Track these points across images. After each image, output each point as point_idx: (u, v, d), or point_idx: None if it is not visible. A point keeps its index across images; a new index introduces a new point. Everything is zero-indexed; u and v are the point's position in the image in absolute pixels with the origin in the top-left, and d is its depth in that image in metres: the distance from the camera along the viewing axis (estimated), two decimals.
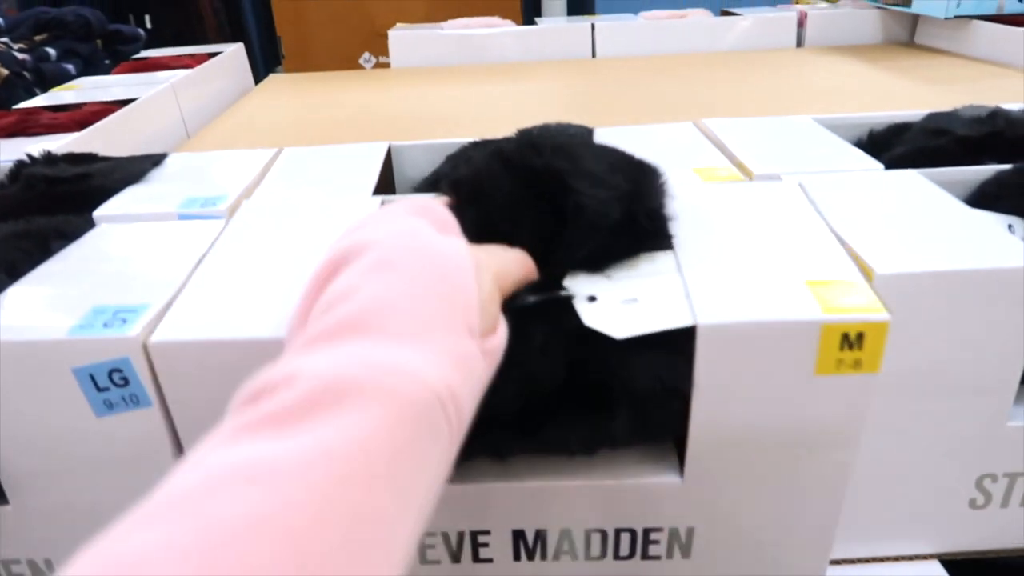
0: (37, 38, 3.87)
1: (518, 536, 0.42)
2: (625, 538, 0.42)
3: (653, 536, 0.42)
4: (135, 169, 0.58)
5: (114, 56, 4.86)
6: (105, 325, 0.37)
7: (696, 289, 0.37)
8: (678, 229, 0.42)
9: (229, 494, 0.20)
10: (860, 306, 0.35)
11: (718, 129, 0.62)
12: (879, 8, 1.26)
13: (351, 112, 0.93)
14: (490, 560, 0.43)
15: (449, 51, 1.26)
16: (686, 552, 0.43)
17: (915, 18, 1.24)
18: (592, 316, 0.35)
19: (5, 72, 3.38)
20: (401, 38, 1.26)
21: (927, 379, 0.42)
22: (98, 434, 0.38)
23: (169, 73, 1.02)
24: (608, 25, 1.26)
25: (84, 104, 0.83)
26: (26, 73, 3.33)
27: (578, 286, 0.37)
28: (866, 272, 0.39)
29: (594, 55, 1.26)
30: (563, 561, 0.43)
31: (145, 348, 0.36)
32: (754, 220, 0.44)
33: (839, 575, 0.47)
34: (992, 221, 0.45)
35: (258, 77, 1.25)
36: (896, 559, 0.48)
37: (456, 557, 0.44)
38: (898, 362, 0.40)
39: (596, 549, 0.43)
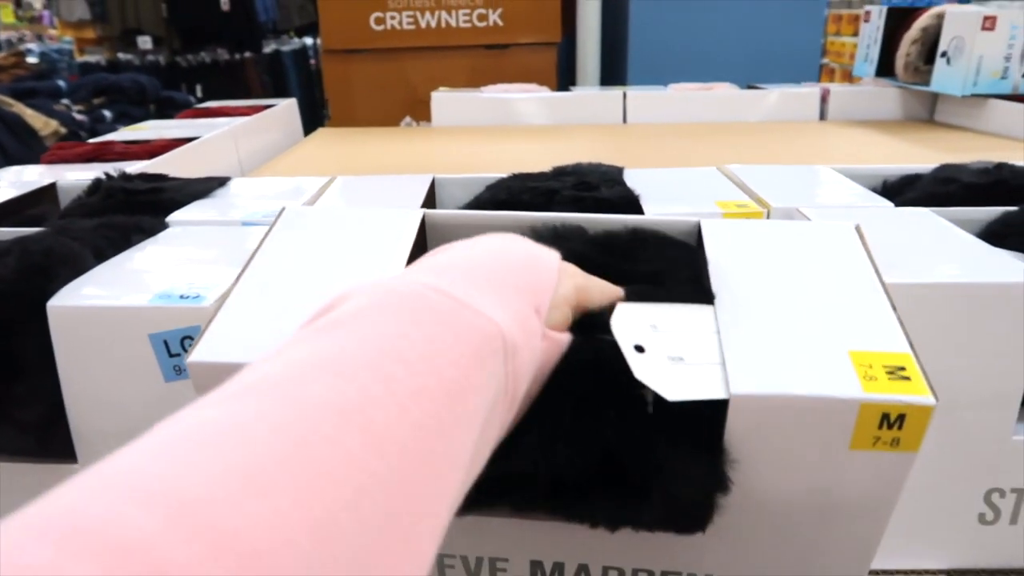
0: (95, 101, 4.08)
1: (536, 567, 0.42)
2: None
3: None
4: (203, 188, 0.64)
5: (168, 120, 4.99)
6: (181, 297, 0.41)
7: (733, 353, 0.34)
8: (720, 271, 0.40)
9: (319, 382, 0.21)
10: (904, 388, 0.33)
11: (740, 172, 0.67)
12: (899, 87, 1.32)
13: (396, 158, 1.00)
14: None
15: (487, 113, 1.33)
16: None
17: (934, 96, 1.30)
18: (642, 370, 0.33)
19: (64, 131, 3.56)
20: (443, 99, 1.34)
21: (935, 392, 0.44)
22: (165, 398, 0.42)
23: (228, 119, 1.10)
24: (639, 94, 1.34)
25: (153, 140, 0.90)
26: (82, 133, 3.51)
27: (625, 331, 0.35)
28: None
29: (625, 121, 1.33)
30: None
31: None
32: (801, 268, 0.41)
33: None
34: (999, 251, 0.48)
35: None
36: (906, 573, 0.49)
37: None
38: None
39: None
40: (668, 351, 0.34)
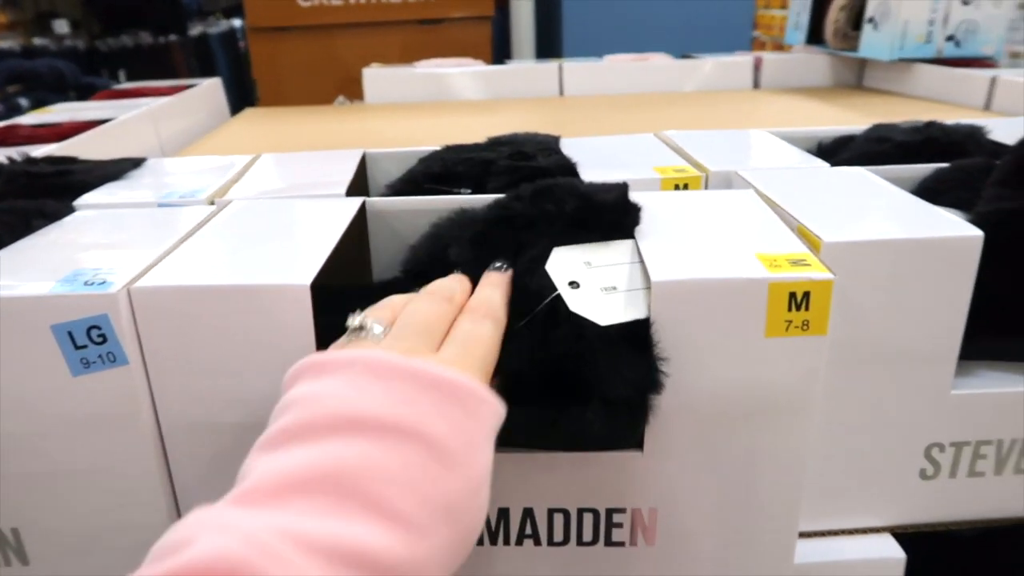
0: (10, 89, 3.89)
1: None
2: (588, 520, 0.43)
3: (616, 518, 0.42)
4: (115, 169, 0.60)
5: None
6: (86, 284, 0.38)
7: (653, 260, 0.39)
8: (639, 227, 0.43)
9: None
10: (805, 269, 0.37)
11: (677, 138, 0.66)
12: (829, 54, 1.33)
13: (328, 136, 0.96)
14: None
15: (422, 89, 1.30)
16: (650, 538, 0.43)
17: (863, 62, 1.32)
18: (576, 302, 0.37)
19: None
20: (375, 76, 1.30)
21: (871, 347, 0.44)
22: (74, 394, 0.39)
23: (148, 99, 1.05)
24: (575, 66, 1.32)
25: (63, 123, 0.85)
26: None
27: (560, 271, 0.39)
28: (814, 243, 0.42)
29: (561, 94, 1.32)
30: (526, 547, 0.43)
31: (128, 293, 0.37)
32: (711, 215, 0.46)
33: None
34: (932, 207, 0.48)
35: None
36: (849, 532, 0.49)
37: None
38: (843, 330, 0.42)
39: (559, 533, 0.43)
40: (601, 283, 0.39)
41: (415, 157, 0.66)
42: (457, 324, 0.35)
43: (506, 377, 0.36)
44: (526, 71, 1.33)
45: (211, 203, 0.53)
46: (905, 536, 0.49)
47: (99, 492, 0.41)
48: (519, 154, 0.59)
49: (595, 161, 0.59)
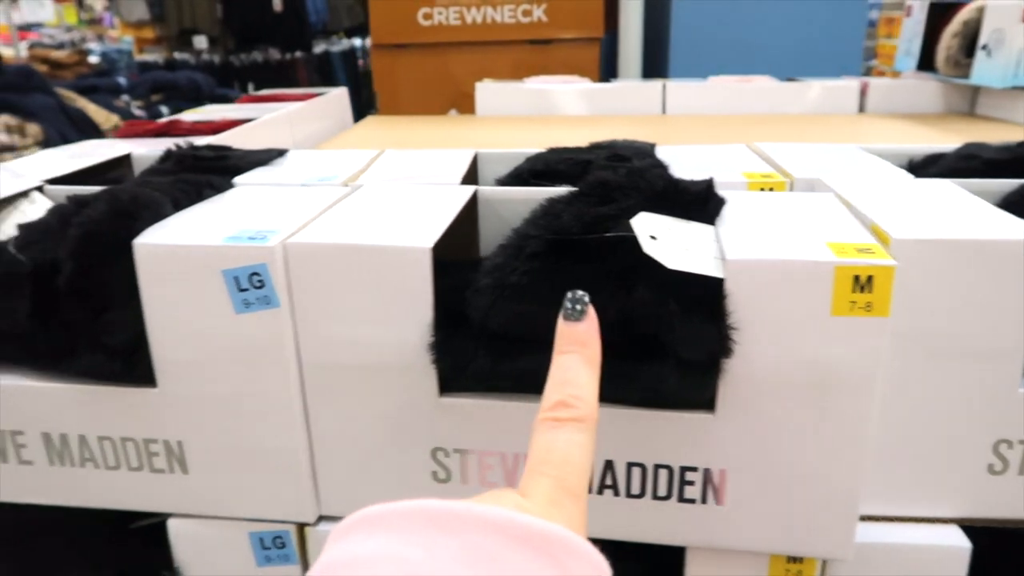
0: (153, 98, 4.23)
1: None
2: (663, 476, 0.48)
3: (688, 476, 0.48)
4: (264, 156, 0.69)
5: None
6: (250, 238, 0.46)
7: (729, 242, 0.44)
8: (719, 218, 0.49)
9: None
10: (870, 255, 0.42)
11: (767, 148, 0.70)
12: (940, 81, 1.32)
13: (442, 140, 1.04)
14: None
15: (530, 103, 1.38)
16: (720, 498, 0.48)
17: (975, 89, 1.30)
18: (651, 248, 0.42)
19: (123, 125, 3.69)
20: (487, 89, 1.39)
21: (940, 342, 0.47)
22: (235, 330, 0.47)
23: (283, 104, 1.16)
24: (679, 84, 1.36)
25: (215, 120, 0.97)
26: None
27: (641, 226, 0.44)
28: (883, 239, 0.46)
29: (664, 112, 1.36)
30: (606, 496, 0.49)
31: (284, 247, 0.45)
32: (788, 212, 0.50)
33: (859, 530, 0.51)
34: (1009, 215, 0.50)
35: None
36: (917, 520, 0.51)
37: (512, 481, 0.50)
38: (911, 325, 0.46)
39: (636, 486, 0.48)
40: (678, 244, 0.43)
41: (521, 157, 0.73)
42: (551, 436, 0.28)
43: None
44: (630, 89, 1.39)
45: (345, 185, 0.61)
46: (972, 529, 0.51)
47: (246, 415, 0.49)
48: (616, 156, 0.65)
49: (687, 165, 0.64)
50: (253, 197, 0.56)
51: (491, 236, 0.59)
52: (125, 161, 0.77)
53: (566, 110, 1.37)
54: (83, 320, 0.47)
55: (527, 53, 1.87)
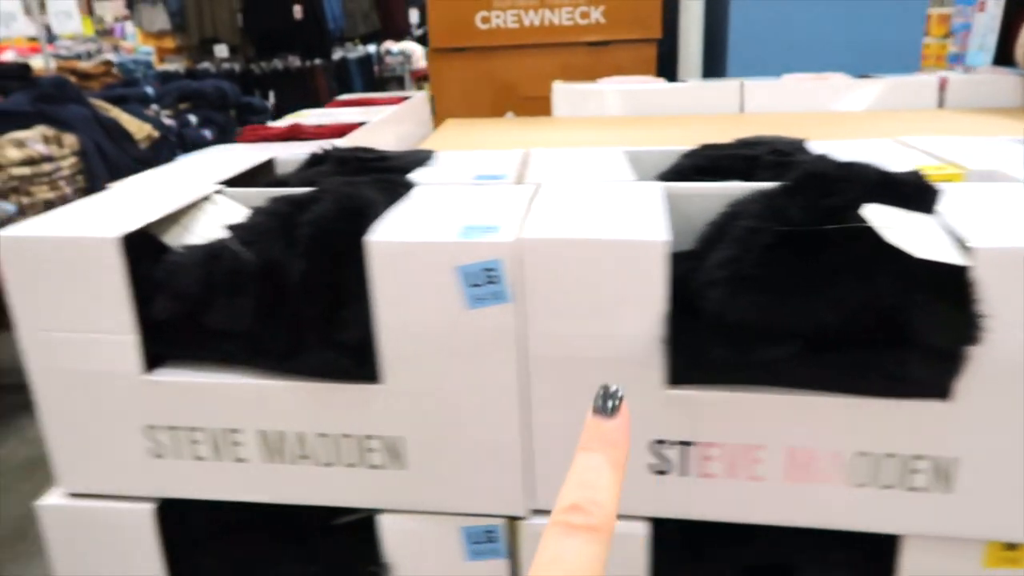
0: (181, 106, 4.26)
1: (788, 452, 0.49)
2: (889, 465, 0.48)
3: (917, 465, 0.47)
4: (420, 157, 0.70)
5: (244, 125, 5.17)
6: (483, 233, 0.47)
7: (968, 230, 0.44)
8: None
9: None
10: None
11: (918, 143, 0.70)
12: (1019, 75, 1.33)
13: (543, 140, 1.05)
14: (763, 478, 0.49)
15: (608, 103, 1.38)
16: (948, 486, 0.47)
17: None
18: (893, 236, 0.42)
19: (157, 134, 3.72)
20: (562, 91, 1.40)
21: None
22: (463, 326, 0.48)
23: (376, 108, 1.17)
24: (756, 84, 1.37)
25: (330, 124, 0.98)
26: (171, 137, 3.66)
27: (873, 216, 0.44)
28: None
29: (742, 110, 1.37)
30: (831, 485, 0.49)
31: (520, 244, 0.46)
32: (998, 202, 0.51)
33: None
34: None
35: None
36: None
37: (733, 472, 0.50)
38: None
39: (862, 475, 0.48)
40: (913, 233, 0.44)
41: (670, 155, 0.74)
42: (560, 544, 0.26)
43: (822, 322, 0.42)
44: (707, 89, 1.39)
45: (519, 184, 0.62)
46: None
47: (466, 410, 0.50)
48: (778, 151, 0.66)
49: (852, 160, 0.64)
50: (448, 195, 0.57)
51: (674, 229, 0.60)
52: (268, 165, 0.77)
53: (645, 110, 1.37)
54: (314, 317, 0.48)
55: (582, 55, 1.88)
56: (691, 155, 0.69)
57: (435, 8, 1.86)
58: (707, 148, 0.70)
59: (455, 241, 0.46)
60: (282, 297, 0.49)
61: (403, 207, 0.53)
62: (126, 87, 4.24)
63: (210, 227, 0.56)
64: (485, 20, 1.85)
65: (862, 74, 1.46)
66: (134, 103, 3.85)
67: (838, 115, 1.27)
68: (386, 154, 0.70)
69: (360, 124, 0.97)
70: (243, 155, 0.79)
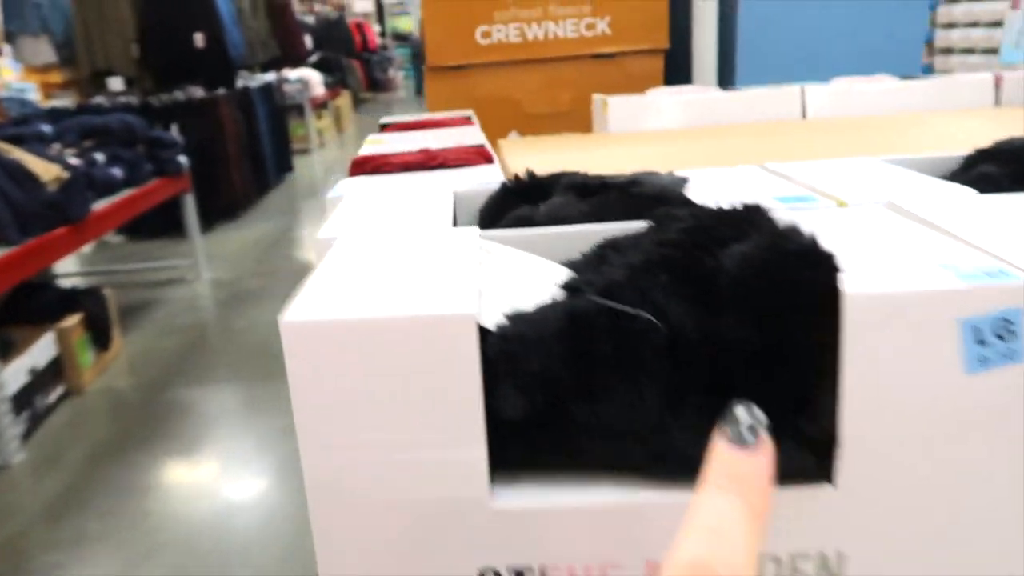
0: (85, 144, 3.89)
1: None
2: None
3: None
4: (672, 180, 0.58)
5: (154, 161, 4.85)
6: (988, 275, 0.35)
7: None
8: None
9: None
10: None
11: None
12: None
13: (616, 161, 0.94)
14: None
15: (665, 116, 1.29)
16: None
17: None
18: None
19: (66, 175, 3.38)
20: (617, 104, 1.30)
21: None
22: (961, 395, 0.36)
23: (432, 130, 1.05)
24: (815, 89, 1.32)
25: (401, 152, 0.84)
26: (81, 177, 3.32)
27: None
28: None
29: (804, 117, 1.31)
30: None
31: None
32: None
33: None
34: None
35: None
36: None
37: None
38: None
39: None
40: None
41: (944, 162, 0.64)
42: None
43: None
44: (763, 96, 1.33)
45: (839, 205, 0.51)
46: None
47: (954, 515, 0.38)
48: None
49: None
50: (851, 229, 0.45)
51: None
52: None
53: (707, 120, 1.30)
54: (768, 401, 0.35)
55: (589, 67, 1.79)
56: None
57: (431, 24, 1.72)
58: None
59: (959, 288, 0.35)
60: (695, 377, 0.35)
61: (831, 246, 0.41)
62: (19, 125, 3.84)
63: (506, 285, 0.42)
64: (486, 35, 1.73)
65: (905, 75, 1.44)
66: (32, 142, 3.47)
67: (916, 116, 1.23)
68: (637, 178, 0.57)
69: (480, 146, 0.83)
70: (405, 189, 0.64)
